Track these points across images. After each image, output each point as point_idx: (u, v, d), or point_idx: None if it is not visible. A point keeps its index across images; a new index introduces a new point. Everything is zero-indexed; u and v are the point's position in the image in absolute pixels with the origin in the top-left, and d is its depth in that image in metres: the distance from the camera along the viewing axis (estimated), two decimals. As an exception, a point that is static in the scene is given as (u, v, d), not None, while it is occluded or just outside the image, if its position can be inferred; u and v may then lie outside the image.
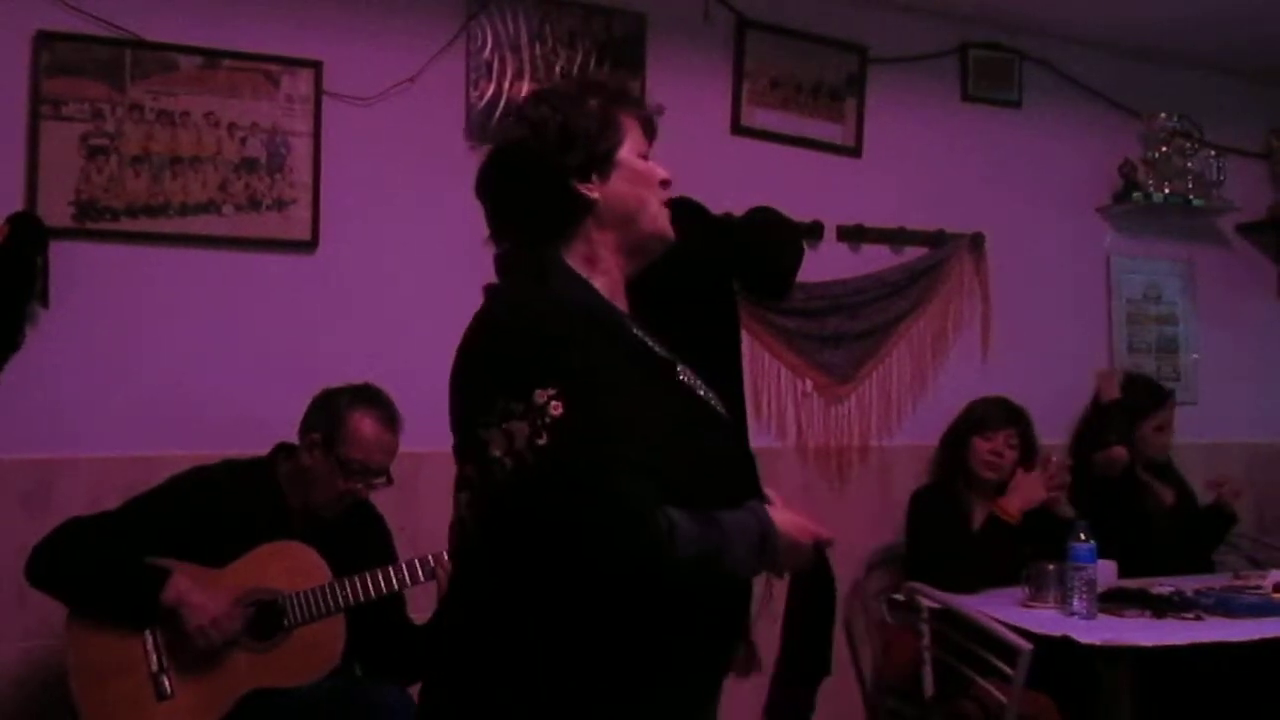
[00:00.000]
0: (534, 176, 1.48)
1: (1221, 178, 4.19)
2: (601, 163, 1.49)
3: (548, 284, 1.44)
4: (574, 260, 1.48)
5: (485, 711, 1.35)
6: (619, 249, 1.52)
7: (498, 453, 1.30)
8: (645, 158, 1.55)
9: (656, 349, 1.50)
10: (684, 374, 1.49)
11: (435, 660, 1.51)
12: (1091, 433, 3.71)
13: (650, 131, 1.59)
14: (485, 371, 1.37)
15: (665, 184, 1.56)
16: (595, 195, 1.48)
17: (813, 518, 1.52)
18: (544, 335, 1.35)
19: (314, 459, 2.47)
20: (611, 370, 1.36)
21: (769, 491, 1.53)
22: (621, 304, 1.54)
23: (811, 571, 1.57)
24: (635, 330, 1.49)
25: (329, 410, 2.49)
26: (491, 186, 1.52)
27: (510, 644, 1.35)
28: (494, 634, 1.36)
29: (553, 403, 1.29)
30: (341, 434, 2.45)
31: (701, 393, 1.50)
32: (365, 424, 2.46)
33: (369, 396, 2.50)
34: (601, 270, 1.50)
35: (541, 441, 1.28)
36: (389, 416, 2.50)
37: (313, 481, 2.47)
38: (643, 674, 1.36)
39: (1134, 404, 3.68)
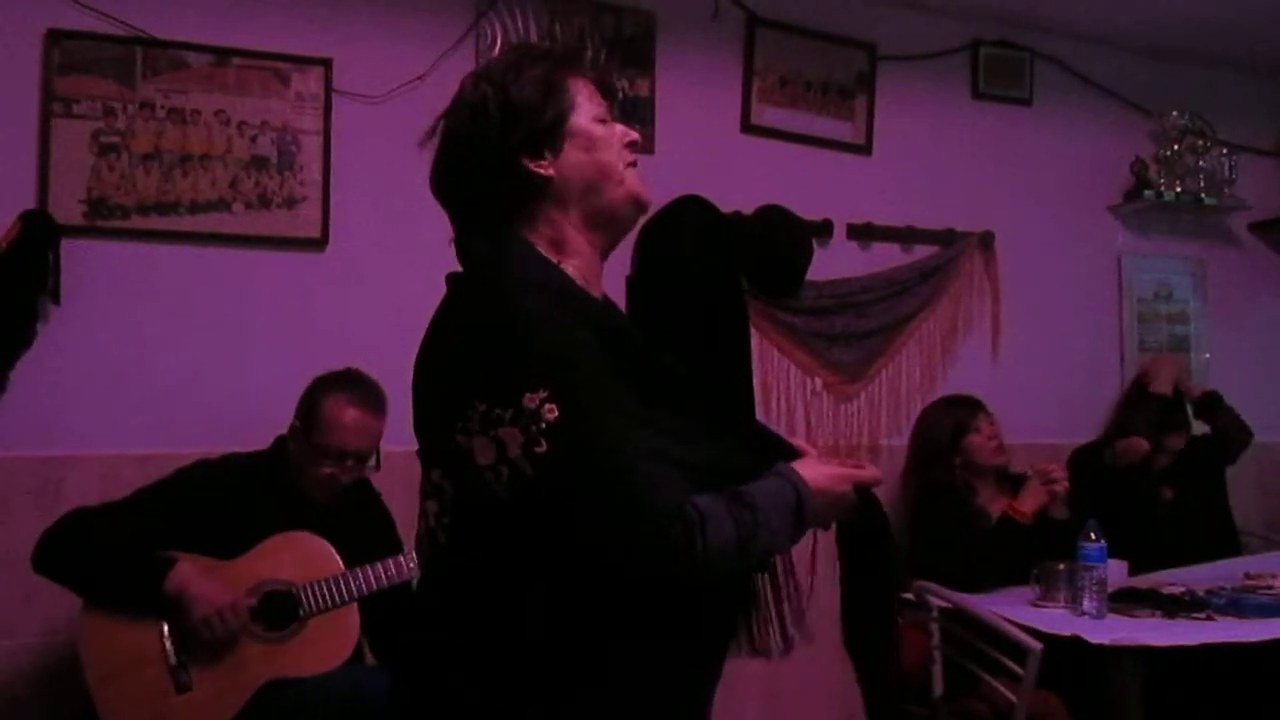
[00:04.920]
0: (481, 161, 1.35)
1: (1233, 176, 4.18)
2: (550, 135, 1.35)
3: (514, 270, 1.31)
4: (540, 245, 1.36)
5: None
6: (587, 224, 1.38)
7: (486, 462, 1.21)
8: (604, 121, 1.40)
9: (637, 333, 1.39)
10: (668, 355, 1.39)
11: (411, 681, 1.38)
12: (1124, 417, 3.73)
13: (608, 92, 1.45)
14: (459, 372, 1.25)
15: (632, 145, 1.42)
16: (549, 172, 1.35)
17: (846, 461, 1.44)
18: (523, 330, 1.22)
19: (296, 445, 2.50)
20: (599, 359, 1.24)
21: (799, 443, 1.44)
22: (597, 290, 1.41)
23: (859, 518, 1.47)
24: (613, 313, 1.39)
25: (308, 396, 2.52)
26: (441, 179, 1.41)
27: (504, 661, 1.26)
28: (484, 652, 1.27)
29: (546, 406, 1.18)
30: (315, 419, 2.47)
31: (692, 377, 1.39)
32: (338, 408, 2.46)
33: (348, 381, 2.50)
34: (572, 253, 1.37)
35: (540, 450, 1.18)
36: (366, 399, 2.48)
37: (298, 468, 2.50)
38: (646, 685, 1.29)
39: (1163, 414, 3.70)
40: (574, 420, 1.19)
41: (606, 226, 1.41)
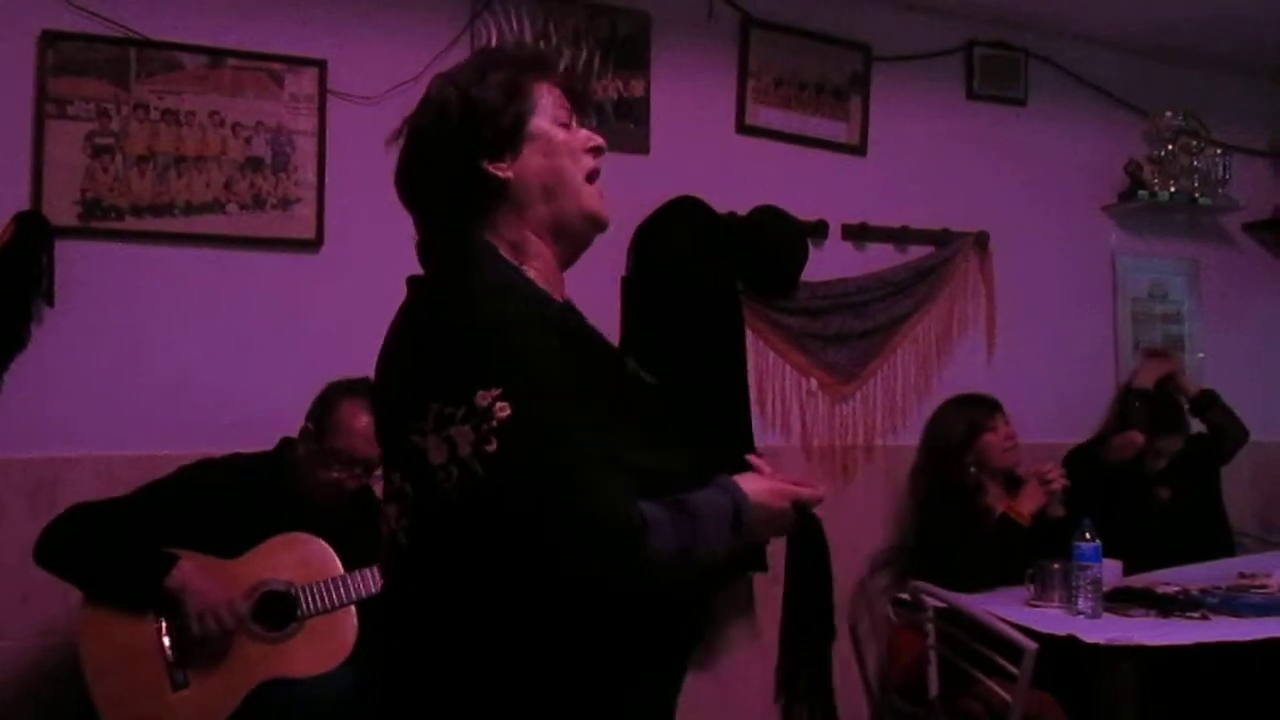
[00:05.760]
0: (441, 160, 1.36)
1: (1227, 176, 4.18)
2: (510, 137, 1.36)
3: (474, 271, 1.32)
4: (502, 248, 1.37)
5: None
6: (545, 230, 1.38)
7: (438, 461, 1.20)
8: (566, 125, 1.41)
9: (599, 337, 1.40)
10: (630, 361, 1.39)
11: (372, 685, 1.39)
12: (1118, 415, 3.77)
13: (578, 100, 1.45)
14: (413, 373, 1.26)
15: (597, 151, 1.42)
16: (508, 175, 1.36)
17: (791, 478, 1.44)
18: (478, 330, 1.23)
19: (306, 448, 2.51)
20: (555, 360, 1.24)
21: (752, 458, 1.45)
22: (559, 294, 1.41)
23: (800, 534, 1.52)
24: (573, 320, 1.38)
25: (323, 400, 2.52)
26: (404, 179, 1.41)
27: (459, 667, 1.26)
28: (440, 658, 1.27)
29: (498, 404, 1.18)
30: (329, 423, 2.48)
31: (647, 381, 1.41)
32: (352, 414, 2.46)
33: (364, 388, 2.48)
34: (532, 256, 1.38)
35: (491, 448, 1.18)
36: None
37: (305, 471, 2.50)
38: (601, 685, 1.29)
39: (1159, 414, 3.72)
40: (525, 419, 1.19)
41: (561, 236, 1.40)
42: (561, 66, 1.46)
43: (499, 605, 1.24)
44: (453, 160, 1.36)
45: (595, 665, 1.28)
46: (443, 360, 1.23)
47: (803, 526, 1.48)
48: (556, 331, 1.28)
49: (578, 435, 1.22)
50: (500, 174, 1.36)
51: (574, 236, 1.42)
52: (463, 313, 1.25)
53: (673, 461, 1.33)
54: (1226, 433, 3.82)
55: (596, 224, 1.43)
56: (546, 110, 1.39)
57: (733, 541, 1.32)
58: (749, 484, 1.37)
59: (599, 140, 1.43)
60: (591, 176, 1.42)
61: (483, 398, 1.18)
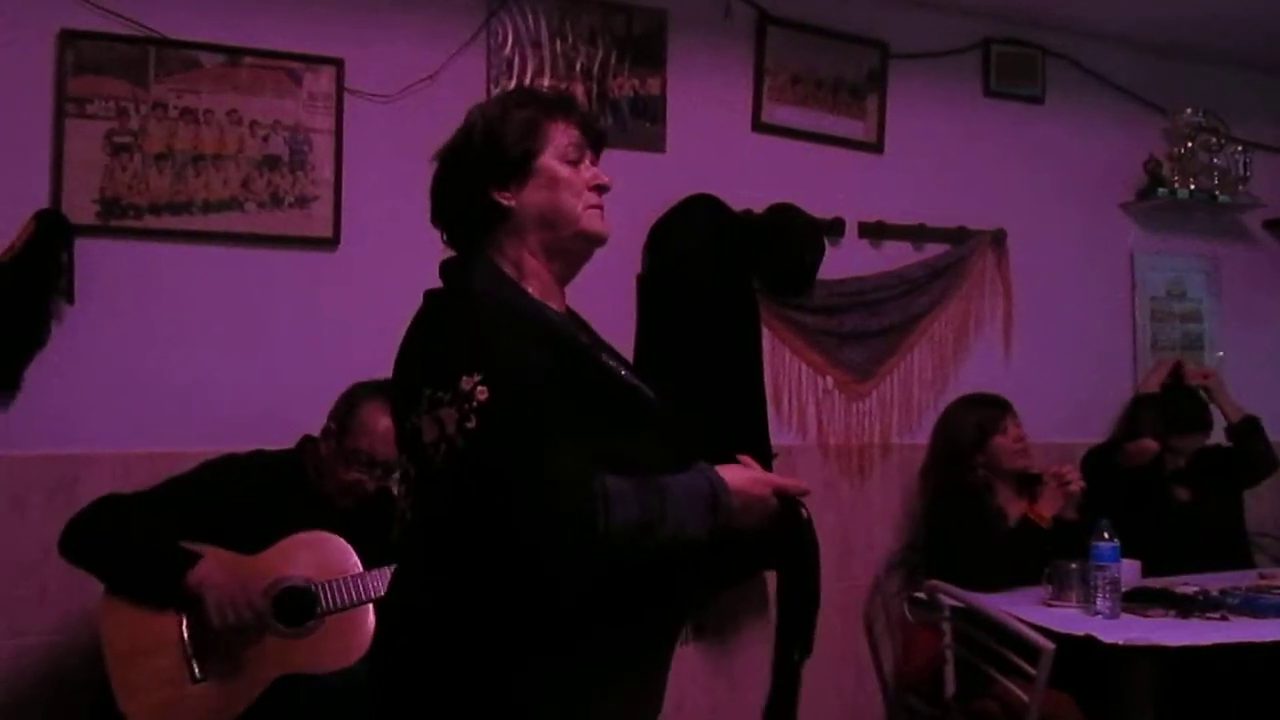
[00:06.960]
0: (458, 183, 1.54)
1: (1247, 174, 4.15)
2: (517, 170, 1.51)
3: (472, 283, 1.49)
4: (505, 266, 1.52)
5: (431, 700, 1.40)
6: (543, 252, 1.54)
7: (430, 439, 1.35)
8: (576, 164, 1.55)
9: (581, 339, 1.53)
10: (609, 362, 1.51)
11: (381, 652, 1.57)
12: (1129, 420, 3.77)
13: (594, 139, 1.59)
14: (413, 366, 1.44)
15: (600, 189, 1.56)
16: (511, 204, 1.51)
17: (776, 473, 1.53)
18: (464, 325, 1.40)
19: (327, 447, 2.52)
20: (531, 355, 1.39)
21: (741, 456, 1.56)
22: (559, 305, 1.56)
23: (786, 526, 1.57)
24: (558, 324, 1.51)
25: (347, 400, 2.54)
26: (431, 196, 1.58)
27: (450, 634, 1.38)
28: (434, 625, 1.40)
29: (479, 388, 1.32)
30: (351, 424, 2.49)
31: (627, 378, 1.51)
32: (374, 416, 2.47)
33: (389, 391, 2.50)
34: (531, 274, 1.53)
35: (471, 425, 1.32)
36: None
37: (325, 470, 2.51)
38: (586, 653, 1.39)
39: (1170, 414, 3.69)
40: (501, 400, 1.33)
41: (558, 256, 1.55)
42: (577, 106, 1.62)
43: (482, 569, 1.35)
44: (468, 184, 1.52)
45: (576, 633, 1.38)
46: (436, 353, 1.40)
47: (790, 524, 1.55)
48: (537, 335, 1.43)
49: (546, 417, 1.35)
50: (505, 202, 1.51)
51: (571, 255, 1.57)
52: (455, 315, 1.43)
53: (647, 450, 1.43)
54: (1259, 463, 3.77)
55: (594, 242, 1.57)
56: (557, 148, 1.53)
57: (711, 521, 1.43)
58: (729, 472, 1.48)
59: (605, 180, 1.57)
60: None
61: (466, 382, 1.33)
